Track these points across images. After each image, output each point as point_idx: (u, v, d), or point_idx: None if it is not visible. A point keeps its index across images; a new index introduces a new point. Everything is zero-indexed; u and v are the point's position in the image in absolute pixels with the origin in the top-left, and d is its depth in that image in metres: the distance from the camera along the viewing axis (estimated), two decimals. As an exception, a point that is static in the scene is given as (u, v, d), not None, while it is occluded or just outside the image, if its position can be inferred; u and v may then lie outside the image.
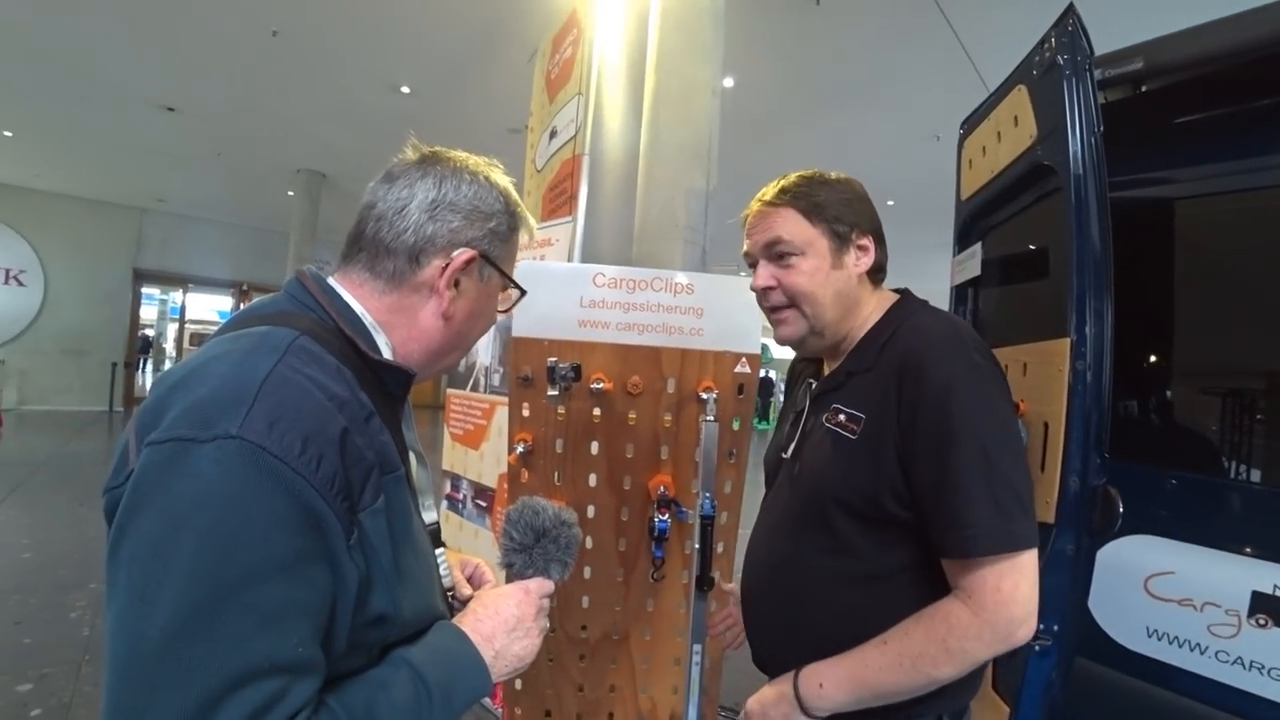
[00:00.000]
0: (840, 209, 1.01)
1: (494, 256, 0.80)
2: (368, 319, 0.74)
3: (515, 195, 0.84)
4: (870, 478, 0.91)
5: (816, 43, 5.48)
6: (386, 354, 0.75)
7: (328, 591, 0.58)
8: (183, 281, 13.86)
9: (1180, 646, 1.28)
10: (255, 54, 6.25)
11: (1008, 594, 0.82)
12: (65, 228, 12.19)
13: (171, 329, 15.87)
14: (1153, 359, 1.58)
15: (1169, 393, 1.58)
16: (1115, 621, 1.38)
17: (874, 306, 1.04)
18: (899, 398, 0.89)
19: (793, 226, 1.00)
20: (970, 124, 1.88)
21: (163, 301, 16.11)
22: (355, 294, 0.75)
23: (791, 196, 1.01)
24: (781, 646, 1.02)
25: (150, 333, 15.10)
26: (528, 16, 4.91)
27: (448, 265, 0.75)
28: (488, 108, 6.79)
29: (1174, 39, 1.46)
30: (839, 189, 1.02)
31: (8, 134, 9.07)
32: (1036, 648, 1.27)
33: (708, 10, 3.09)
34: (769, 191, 1.04)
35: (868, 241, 1.02)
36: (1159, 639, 1.31)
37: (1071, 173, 1.29)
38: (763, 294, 1.05)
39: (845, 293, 1.02)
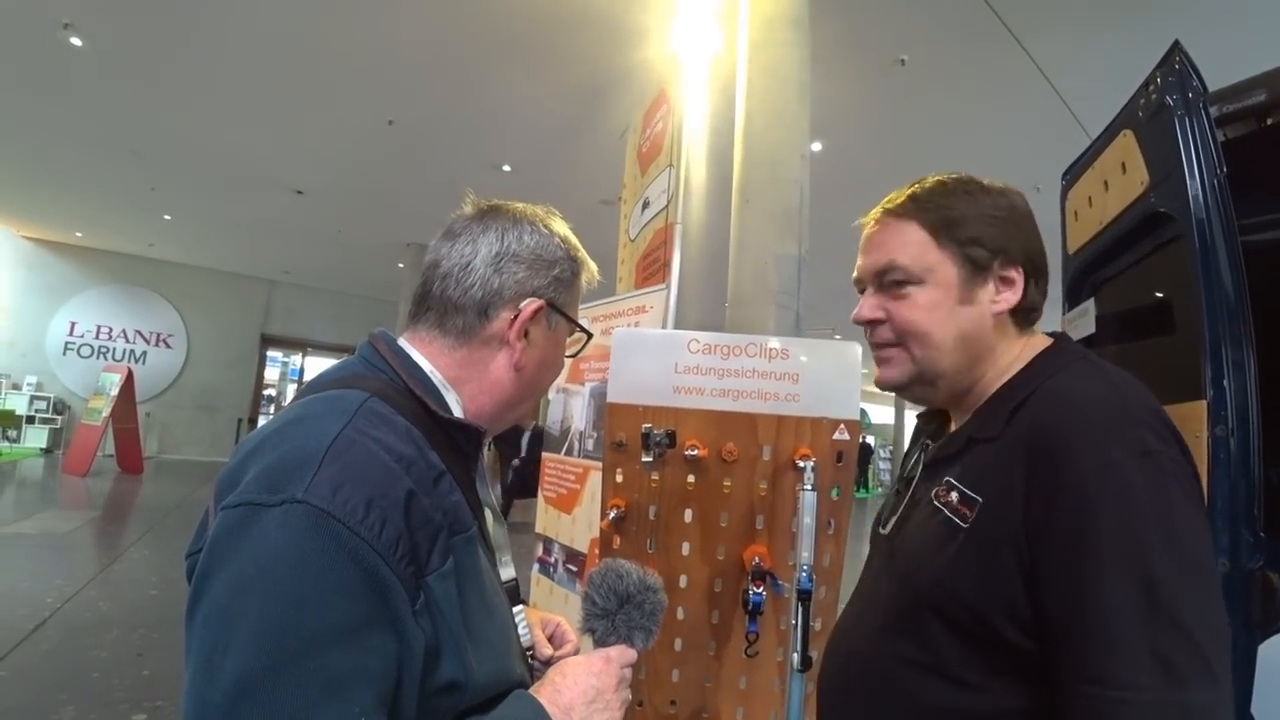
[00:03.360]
0: (982, 227, 0.80)
1: (560, 303, 0.80)
2: (436, 377, 0.74)
3: (574, 240, 0.83)
4: (977, 586, 0.69)
5: (904, 102, 5.48)
6: (456, 411, 0.74)
7: (392, 658, 0.56)
8: (302, 346, 15.23)
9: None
10: (373, 141, 6.95)
11: None
12: (206, 297, 13.80)
13: (290, 389, 17.19)
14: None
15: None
16: (1289, 733, 1.20)
17: (1016, 355, 0.82)
18: (1027, 491, 0.67)
19: (914, 248, 0.81)
20: (1073, 174, 1.80)
21: (284, 364, 17.52)
22: (425, 352, 0.75)
23: (919, 207, 0.82)
24: None
25: (272, 392, 16.42)
26: (619, 97, 5.22)
27: (516, 316, 0.75)
28: (582, 181, 7.18)
29: None
30: (987, 201, 0.81)
31: (167, 217, 10.42)
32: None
33: (793, 77, 3.15)
34: (897, 197, 0.85)
35: (1014, 273, 0.80)
36: (1347, 757, 1.13)
37: (1193, 217, 1.20)
38: (868, 328, 0.87)
39: (973, 336, 0.81)
